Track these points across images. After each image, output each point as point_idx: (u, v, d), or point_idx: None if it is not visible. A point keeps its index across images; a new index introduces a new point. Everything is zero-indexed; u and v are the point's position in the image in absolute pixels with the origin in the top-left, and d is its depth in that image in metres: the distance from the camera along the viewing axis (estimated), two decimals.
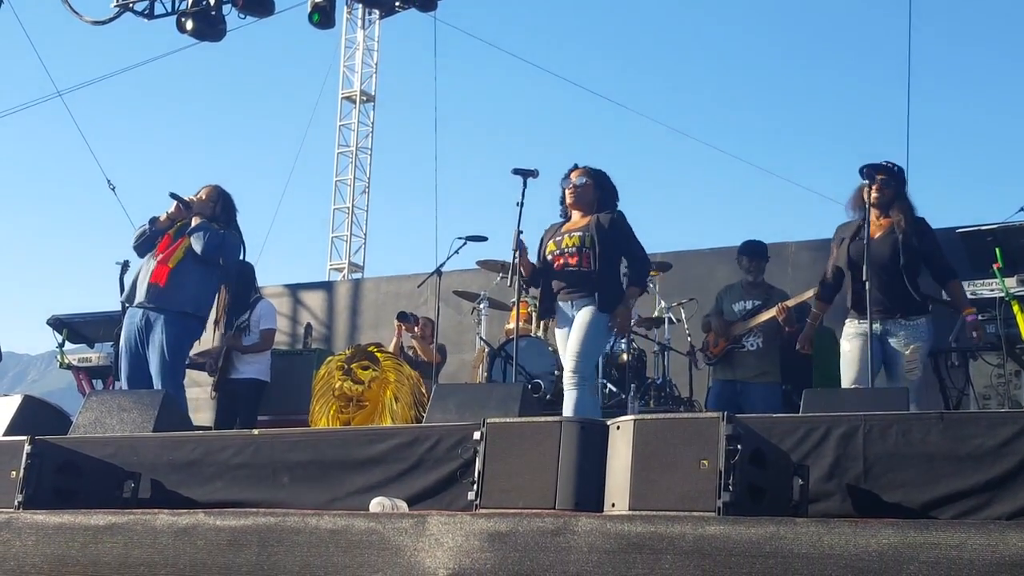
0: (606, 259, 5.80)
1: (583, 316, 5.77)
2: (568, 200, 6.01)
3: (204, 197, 6.72)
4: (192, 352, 6.93)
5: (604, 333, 5.92)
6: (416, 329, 8.64)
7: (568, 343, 5.79)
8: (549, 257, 5.96)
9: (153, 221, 6.60)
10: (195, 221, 6.57)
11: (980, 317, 5.84)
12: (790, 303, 6.79)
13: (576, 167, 6.06)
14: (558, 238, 5.96)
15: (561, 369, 6.19)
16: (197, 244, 6.44)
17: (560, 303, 5.91)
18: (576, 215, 6.02)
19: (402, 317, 8.58)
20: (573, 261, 5.85)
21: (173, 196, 6.63)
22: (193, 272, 6.48)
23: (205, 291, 6.63)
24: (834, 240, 5.97)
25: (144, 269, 6.55)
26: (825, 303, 6.06)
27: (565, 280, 5.88)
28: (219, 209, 6.71)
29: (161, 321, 6.35)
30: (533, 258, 6.05)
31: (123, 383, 6.49)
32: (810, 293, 6.34)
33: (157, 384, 6.24)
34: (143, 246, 6.63)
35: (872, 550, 2.74)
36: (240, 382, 7.82)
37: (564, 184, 6.04)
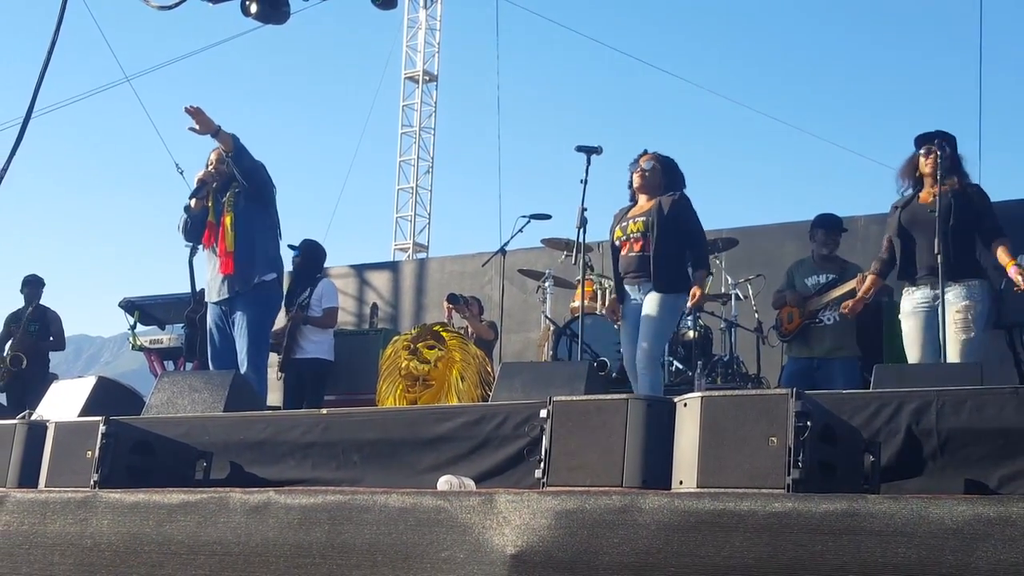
0: (665, 242, 5.93)
1: (649, 301, 5.95)
2: (636, 184, 6.17)
3: (214, 161, 6.59)
4: None
5: (670, 314, 6.07)
6: (467, 310, 8.67)
7: (639, 327, 5.95)
8: (617, 243, 6.15)
9: (187, 208, 6.54)
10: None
11: None
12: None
13: (645, 152, 6.19)
14: (624, 224, 6.12)
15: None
16: (240, 180, 6.37)
17: (627, 287, 6.12)
18: (642, 199, 6.16)
19: (452, 299, 8.62)
20: (638, 247, 6.04)
21: (198, 183, 6.53)
22: (250, 229, 6.43)
23: (270, 244, 6.57)
24: (889, 216, 5.98)
25: (210, 265, 6.53)
26: (880, 278, 6.09)
27: (631, 265, 6.07)
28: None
29: (241, 303, 6.38)
30: (599, 240, 6.24)
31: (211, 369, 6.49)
32: None
33: (244, 366, 6.27)
34: (190, 233, 6.61)
35: (947, 527, 2.69)
36: (305, 362, 7.90)
37: (632, 168, 6.16)
